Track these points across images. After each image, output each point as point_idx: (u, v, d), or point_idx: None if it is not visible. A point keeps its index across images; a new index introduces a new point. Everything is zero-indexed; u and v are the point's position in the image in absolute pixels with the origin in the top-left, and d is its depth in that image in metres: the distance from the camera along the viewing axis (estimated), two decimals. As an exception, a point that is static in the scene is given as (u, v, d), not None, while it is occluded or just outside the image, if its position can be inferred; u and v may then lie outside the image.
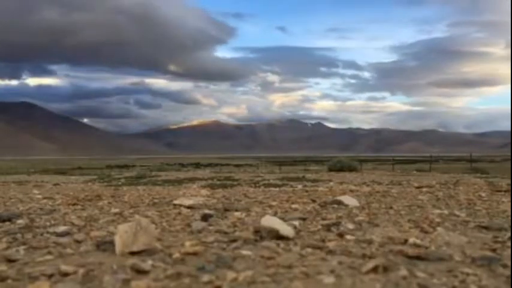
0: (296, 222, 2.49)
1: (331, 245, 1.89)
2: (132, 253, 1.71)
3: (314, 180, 8.46)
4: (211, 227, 2.39)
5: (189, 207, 3.41)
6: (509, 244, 1.90)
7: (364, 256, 1.69)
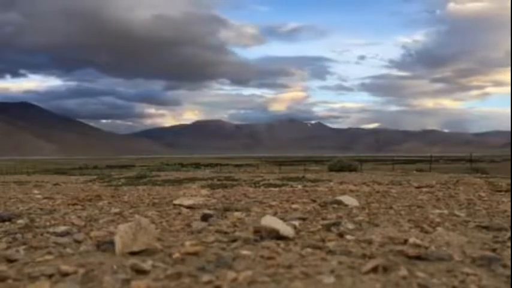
0: (296, 222, 2.49)
1: (331, 245, 1.89)
2: (132, 253, 1.71)
3: (314, 180, 8.46)
4: (211, 227, 2.39)
5: (189, 207, 3.41)
6: (509, 244, 1.90)
7: (364, 256, 1.69)
